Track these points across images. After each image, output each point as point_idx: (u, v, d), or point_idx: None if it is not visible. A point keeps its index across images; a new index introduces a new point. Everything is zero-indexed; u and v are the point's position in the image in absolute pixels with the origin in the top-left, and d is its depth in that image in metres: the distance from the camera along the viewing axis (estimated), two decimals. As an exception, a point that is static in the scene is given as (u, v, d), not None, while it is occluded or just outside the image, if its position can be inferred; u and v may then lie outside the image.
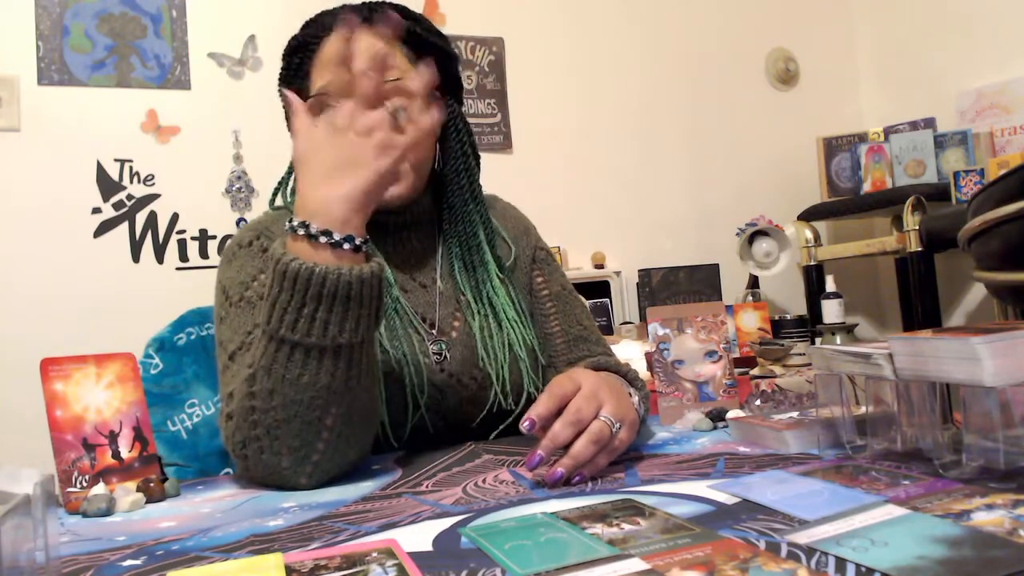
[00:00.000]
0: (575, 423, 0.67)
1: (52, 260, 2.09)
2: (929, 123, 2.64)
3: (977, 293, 2.71)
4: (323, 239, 0.69)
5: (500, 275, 1.02)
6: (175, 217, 2.23)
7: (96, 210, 2.15)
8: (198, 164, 2.25)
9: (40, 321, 2.05)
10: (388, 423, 0.90)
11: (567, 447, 0.67)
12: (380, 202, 0.93)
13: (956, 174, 2.33)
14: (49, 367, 0.71)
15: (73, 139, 2.13)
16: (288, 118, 0.85)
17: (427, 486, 0.70)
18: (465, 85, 2.59)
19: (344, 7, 0.93)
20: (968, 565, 0.40)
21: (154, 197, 2.21)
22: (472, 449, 0.86)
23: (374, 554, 0.49)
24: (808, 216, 2.78)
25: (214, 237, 2.27)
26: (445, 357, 0.95)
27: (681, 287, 2.70)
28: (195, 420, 1.19)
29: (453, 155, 1.00)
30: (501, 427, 0.96)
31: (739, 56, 3.00)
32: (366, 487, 0.72)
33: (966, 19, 2.69)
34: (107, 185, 2.17)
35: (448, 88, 1.00)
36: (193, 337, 1.22)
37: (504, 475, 0.72)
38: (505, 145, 2.65)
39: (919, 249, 2.35)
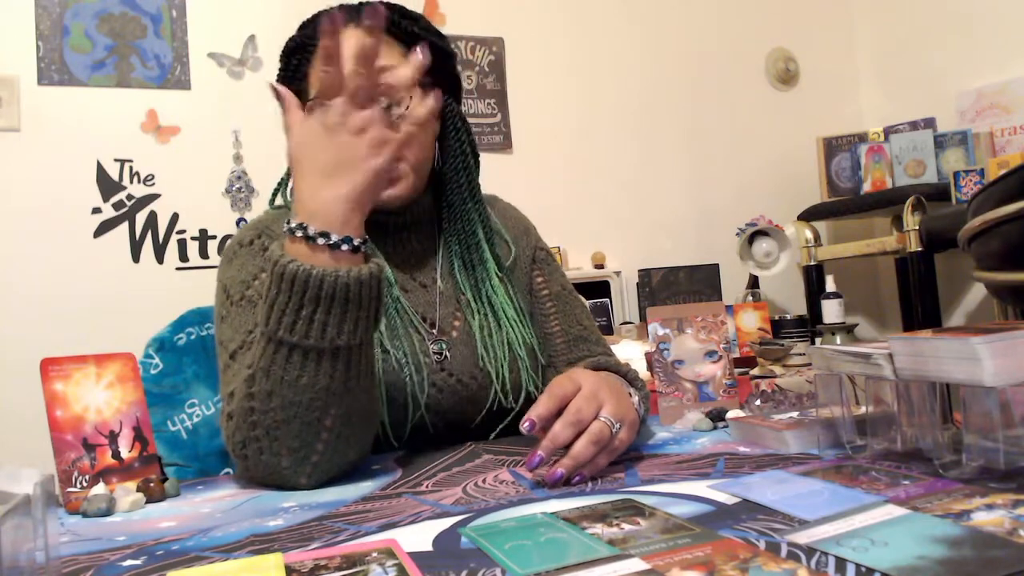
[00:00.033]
0: (575, 423, 0.67)
1: (52, 260, 2.09)
2: (929, 123, 2.64)
3: (977, 293, 2.71)
4: (321, 241, 0.69)
5: (499, 274, 1.02)
6: (175, 217, 2.23)
7: (96, 210, 2.15)
8: (198, 164, 2.25)
9: (40, 321, 2.05)
10: (388, 423, 0.90)
11: (567, 447, 0.67)
12: (380, 202, 0.93)
13: (956, 174, 2.33)
14: (49, 367, 0.71)
15: (73, 139, 2.13)
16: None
17: (427, 486, 0.70)
18: (465, 85, 2.58)
19: (340, 7, 0.93)
20: (968, 565, 0.40)
21: (154, 197, 2.21)
22: (472, 449, 0.86)
23: (374, 554, 0.49)
24: (808, 216, 2.78)
25: (214, 237, 2.27)
26: (445, 357, 0.95)
27: (681, 287, 2.70)
28: (195, 420, 1.19)
29: (452, 154, 1.00)
30: (501, 426, 0.96)
31: (739, 56, 3.00)
32: (366, 487, 0.72)
33: (966, 19, 2.69)
34: (107, 185, 2.17)
35: (446, 87, 1.00)
36: (193, 337, 1.22)
37: (504, 475, 0.72)
38: (505, 145, 2.65)
39: (919, 249, 2.35)
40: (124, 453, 0.73)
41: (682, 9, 2.92)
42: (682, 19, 2.92)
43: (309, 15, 0.98)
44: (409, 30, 0.94)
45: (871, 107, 3.12)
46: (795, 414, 0.83)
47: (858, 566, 0.41)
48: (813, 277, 2.70)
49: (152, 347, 1.20)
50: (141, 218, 2.20)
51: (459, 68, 1.03)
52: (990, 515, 0.47)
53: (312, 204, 0.70)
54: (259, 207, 2.27)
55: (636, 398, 0.82)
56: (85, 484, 0.70)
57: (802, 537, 0.46)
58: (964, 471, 0.57)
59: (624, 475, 0.68)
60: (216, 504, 0.69)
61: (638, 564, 0.44)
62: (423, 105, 0.73)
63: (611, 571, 0.43)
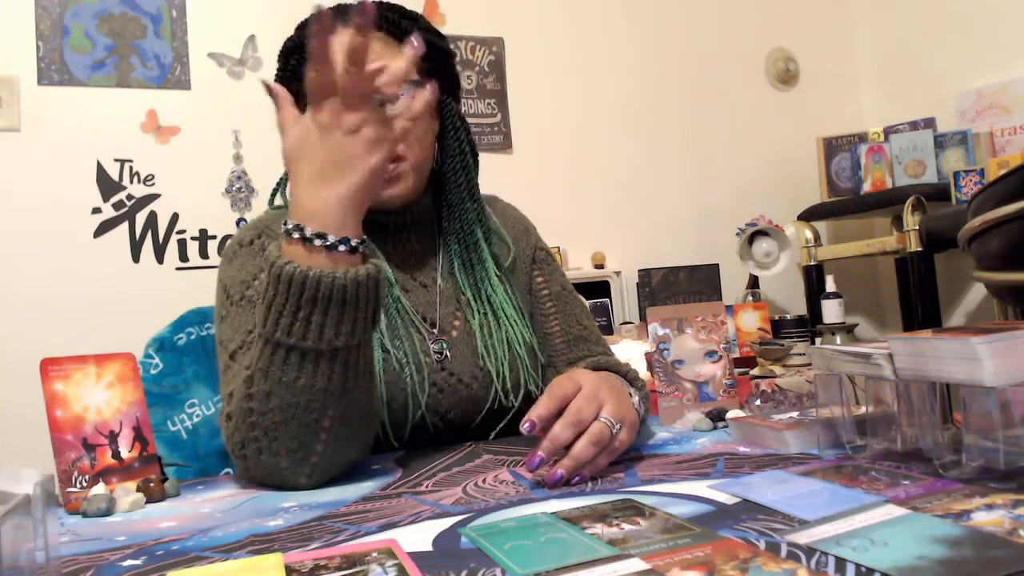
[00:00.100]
0: (575, 424, 0.67)
1: (52, 260, 2.09)
2: (929, 123, 2.64)
3: (977, 293, 2.71)
4: (318, 242, 0.69)
5: (498, 273, 1.02)
6: (175, 217, 2.23)
7: (96, 210, 2.15)
8: (198, 164, 2.25)
9: (40, 321, 2.05)
10: (388, 423, 0.90)
11: (567, 448, 0.67)
12: (381, 202, 0.93)
13: (956, 174, 2.33)
14: (49, 367, 0.71)
15: (73, 139, 2.13)
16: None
17: (427, 486, 0.70)
18: (465, 85, 2.58)
19: (335, 6, 0.93)
20: (968, 565, 0.40)
21: (154, 197, 2.21)
22: (472, 449, 0.86)
23: (374, 554, 0.49)
24: (808, 216, 2.78)
25: (214, 237, 2.27)
26: (446, 356, 0.95)
27: (681, 287, 2.70)
28: (195, 420, 1.19)
29: (451, 153, 1.00)
30: (500, 425, 0.96)
31: (739, 56, 3.00)
32: (366, 487, 0.72)
33: (966, 19, 2.69)
34: (107, 185, 2.17)
35: (445, 87, 1.00)
36: (193, 337, 1.22)
37: (504, 475, 0.72)
38: (505, 145, 2.65)
39: (919, 249, 2.35)
40: (124, 453, 0.73)
41: (682, 9, 2.92)
42: (682, 19, 2.92)
43: (308, 15, 0.98)
44: (409, 30, 0.94)
45: (871, 107, 3.12)
46: (795, 414, 0.83)
47: (858, 566, 0.41)
48: (813, 277, 2.70)
49: (152, 347, 1.20)
50: (141, 218, 2.20)
51: (458, 68, 1.03)
52: (990, 515, 0.47)
53: (309, 205, 0.70)
54: (259, 207, 2.27)
55: (636, 398, 0.82)
56: (85, 484, 0.70)
57: (802, 537, 0.46)
58: (964, 471, 0.57)
59: (624, 475, 0.68)
60: (216, 504, 0.69)
61: (638, 564, 0.44)
62: (418, 99, 0.72)
63: (611, 571, 0.43)
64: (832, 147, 2.80)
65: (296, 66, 0.95)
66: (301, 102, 0.74)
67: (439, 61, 0.98)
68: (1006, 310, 2.20)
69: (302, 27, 0.97)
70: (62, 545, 0.58)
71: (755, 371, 1.97)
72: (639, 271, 2.68)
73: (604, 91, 2.79)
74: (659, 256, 2.78)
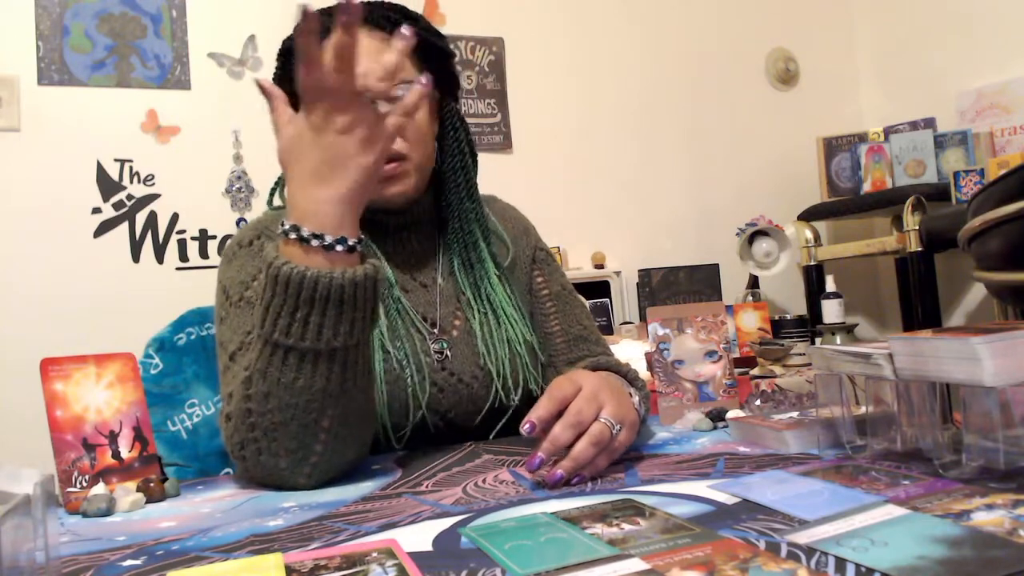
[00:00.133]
0: (575, 425, 0.67)
1: (52, 260, 2.09)
2: (929, 123, 2.64)
3: (977, 293, 2.71)
4: (315, 242, 0.69)
5: (498, 273, 1.02)
6: (175, 217, 2.23)
7: (96, 210, 2.15)
8: (198, 164, 2.25)
9: (40, 321, 2.05)
10: (389, 423, 0.90)
11: (568, 448, 0.67)
12: (384, 201, 0.93)
13: (956, 174, 2.33)
14: (49, 367, 0.71)
15: (73, 139, 2.13)
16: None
17: (427, 486, 0.70)
18: (465, 85, 2.58)
19: (336, 6, 0.93)
20: (968, 565, 0.40)
21: (154, 197, 2.21)
22: (472, 449, 0.86)
23: (374, 554, 0.49)
24: (808, 216, 2.78)
25: (214, 237, 2.27)
26: (446, 356, 0.95)
27: (681, 287, 2.70)
28: (195, 420, 1.19)
29: (451, 153, 1.00)
30: (500, 424, 0.96)
31: (739, 56, 3.00)
32: (366, 487, 0.72)
33: (966, 19, 2.69)
34: (107, 185, 2.17)
35: (445, 86, 1.00)
36: (193, 337, 1.22)
37: (504, 475, 0.72)
38: (505, 145, 2.65)
39: (919, 249, 2.35)
40: (124, 453, 0.73)
41: (682, 9, 2.92)
42: (682, 19, 2.92)
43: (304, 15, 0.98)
44: (397, 23, 0.94)
45: (871, 107, 3.12)
46: (795, 414, 0.83)
47: (858, 566, 0.41)
48: (813, 277, 2.70)
49: (152, 347, 1.20)
50: (141, 218, 2.20)
51: (458, 68, 1.03)
52: (990, 515, 0.47)
53: (305, 205, 0.70)
54: (259, 207, 2.27)
55: (636, 398, 0.82)
56: (85, 484, 0.70)
57: (802, 537, 0.46)
58: (964, 471, 0.57)
59: (624, 475, 0.68)
60: (216, 504, 0.69)
61: (638, 564, 0.44)
62: (411, 93, 0.72)
63: (611, 571, 0.43)
64: (832, 147, 2.80)
65: (294, 66, 0.94)
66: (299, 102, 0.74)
67: (439, 61, 0.98)
68: (1006, 310, 2.20)
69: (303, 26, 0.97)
70: (62, 545, 0.58)
71: (755, 371, 1.97)
72: (639, 271, 2.68)
73: (604, 91, 2.79)
74: (659, 256, 2.78)
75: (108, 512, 0.67)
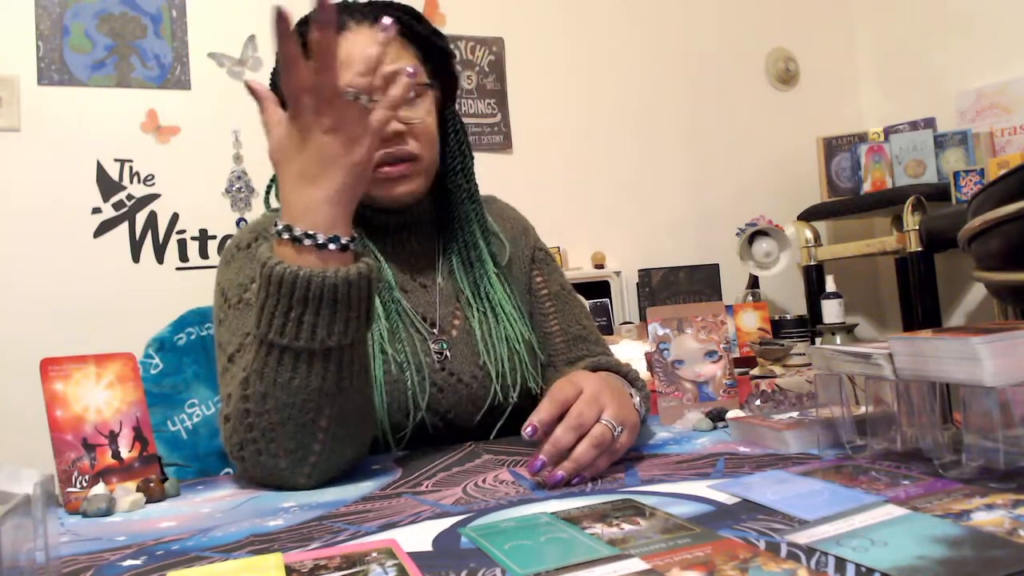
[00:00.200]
0: (577, 428, 0.67)
1: (52, 260, 2.09)
2: (929, 123, 2.64)
3: (977, 293, 2.71)
4: (308, 242, 0.69)
5: (497, 272, 1.02)
6: (175, 217, 2.23)
7: (96, 210, 2.15)
8: (198, 164, 2.25)
9: (40, 321, 2.05)
10: (388, 424, 0.89)
11: (569, 450, 0.67)
12: (390, 200, 0.93)
13: (956, 174, 2.33)
14: (49, 367, 0.71)
15: (73, 139, 2.13)
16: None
17: (427, 486, 0.70)
18: (465, 85, 2.58)
19: (340, 5, 0.94)
20: (968, 565, 0.40)
21: (154, 197, 2.21)
22: (472, 449, 0.86)
23: (374, 554, 0.49)
24: (808, 216, 2.78)
25: (214, 237, 2.27)
26: (446, 356, 0.95)
27: (681, 287, 2.70)
28: (195, 420, 1.19)
29: (451, 154, 1.00)
30: (500, 423, 0.96)
31: (739, 56, 3.00)
32: (366, 487, 0.72)
33: (966, 19, 2.69)
34: (107, 185, 2.17)
35: (445, 87, 1.00)
36: (193, 337, 1.22)
37: (504, 475, 0.72)
38: (505, 145, 2.65)
39: (919, 249, 2.35)
40: (124, 453, 0.73)
41: (682, 9, 2.92)
42: (682, 19, 2.92)
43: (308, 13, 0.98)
44: (411, 27, 0.95)
45: (871, 107, 3.12)
46: (795, 414, 0.83)
47: (858, 566, 0.41)
48: (813, 277, 2.70)
49: (152, 347, 1.20)
50: (141, 218, 2.20)
51: (458, 68, 1.04)
52: (990, 515, 0.47)
53: (297, 205, 0.70)
54: (259, 207, 2.27)
55: (637, 399, 0.82)
56: (85, 484, 0.70)
57: (802, 537, 0.46)
58: (964, 471, 0.57)
59: (624, 475, 0.68)
60: (216, 504, 0.69)
61: (638, 564, 0.44)
62: (397, 85, 0.72)
63: (611, 571, 0.43)
64: (832, 147, 2.80)
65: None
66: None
67: (440, 61, 0.98)
68: (1006, 310, 2.20)
69: (300, 24, 0.97)
70: (62, 545, 0.58)
71: (755, 371, 1.96)
72: (639, 271, 2.68)
73: (604, 91, 2.79)
74: (659, 256, 2.78)
75: (108, 512, 0.67)
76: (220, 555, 0.53)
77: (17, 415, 1.68)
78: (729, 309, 2.25)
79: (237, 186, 2.29)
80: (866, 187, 2.66)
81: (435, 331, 0.96)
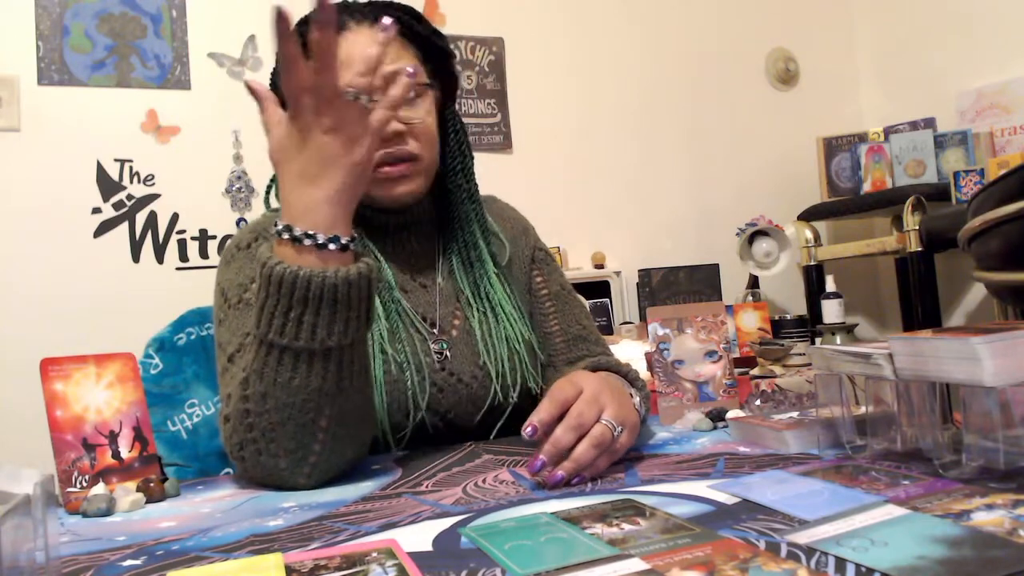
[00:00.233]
0: (577, 428, 0.67)
1: (52, 260, 2.09)
2: (929, 123, 2.64)
3: (977, 293, 2.71)
4: (307, 242, 0.69)
5: (497, 271, 1.02)
6: (175, 217, 2.23)
7: (96, 210, 2.15)
8: (198, 164, 2.25)
9: (40, 321, 2.05)
10: (388, 425, 0.89)
11: (569, 450, 0.67)
12: (391, 200, 0.93)
13: (956, 174, 2.33)
14: (49, 367, 0.71)
15: (73, 139, 2.13)
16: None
17: (427, 486, 0.70)
18: (465, 85, 2.58)
19: (341, 5, 0.94)
20: (968, 565, 0.40)
21: (154, 197, 2.21)
22: (472, 449, 0.86)
23: (374, 554, 0.49)
24: (808, 216, 2.78)
25: (214, 237, 2.27)
26: (446, 356, 0.95)
27: (681, 287, 2.70)
28: (195, 420, 1.19)
29: (451, 154, 1.00)
30: (500, 423, 0.96)
31: (739, 56, 3.00)
32: (366, 487, 0.72)
33: (966, 19, 2.69)
34: (107, 185, 2.17)
35: (446, 87, 1.00)
36: (193, 337, 1.22)
37: (504, 475, 0.72)
38: (505, 145, 2.65)
39: (919, 249, 2.35)
40: (124, 453, 0.73)
41: (682, 9, 2.92)
42: (682, 19, 2.92)
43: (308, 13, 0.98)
44: (413, 27, 0.95)
45: (871, 107, 3.12)
46: (795, 414, 0.83)
47: (858, 566, 0.41)
48: (813, 277, 2.70)
49: (152, 347, 1.20)
50: (141, 218, 2.20)
51: (458, 68, 1.04)
52: (990, 515, 0.47)
53: (297, 205, 0.70)
54: (259, 207, 2.27)
55: (637, 399, 0.82)
56: (85, 484, 0.70)
57: (802, 537, 0.46)
58: (964, 471, 0.57)
59: (624, 475, 0.68)
60: (216, 504, 0.69)
61: (638, 564, 0.44)
62: (397, 85, 0.72)
63: (611, 571, 0.43)
64: (832, 147, 2.80)
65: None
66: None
67: (440, 61, 0.98)
68: (1006, 310, 2.20)
69: (300, 24, 0.97)
70: (62, 545, 0.58)
71: (755, 371, 1.96)
72: (639, 271, 2.68)
73: (604, 91, 2.79)
74: (659, 256, 2.78)
75: (108, 512, 0.67)
76: (220, 555, 0.53)
77: (17, 415, 1.68)
78: (729, 309, 2.25)
79: (237, 186, 2.29)
80: (866, 187, 2.66)
81: (435, 331, 0.96)
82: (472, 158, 1.03)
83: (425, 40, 0.96)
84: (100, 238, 2.16)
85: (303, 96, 0.67)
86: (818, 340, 2.47)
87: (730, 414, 0.88)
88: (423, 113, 0.93)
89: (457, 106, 1.04)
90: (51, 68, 2.11)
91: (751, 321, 2.28)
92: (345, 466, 0.76)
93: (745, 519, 0.51)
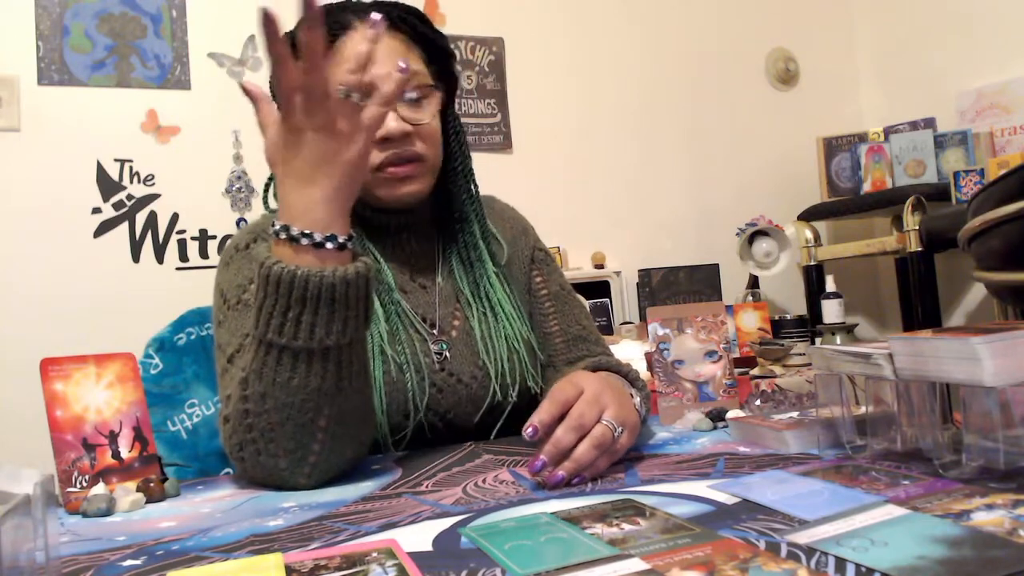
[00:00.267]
0: (578, 428, 0.67)
1: (52, 260, 2.09)
2: (929, 123, 2.64)
3: (977, 293, 2.71)
4: (305, 241, 0.69)
5: (496, 271, 1.02)
6: (175, 217, 2.23)
7: (96, 210, 2.15)
8: (198, 164, 2.25)
9: (40, 321, 2.05)
10: (388, 426, 0.89)
11: (570, 451, 0.67)
12: (394, 200, 0.93)
13: (956, 174, 2.33)
14: (49, 367, 0.71)
15: (73, 139, 2.13)
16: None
17: (427, 486, 0.70)
18: (465, 85, 2.58)
19: (345, 4, 0.94)
20: (968, 565, 0.40)
21: (154, 197, 2.21)
22: (472, 449, 0.86)
23: (374, 554, 0.49)
24: (808, 216, 2.78)
25: (214, 237, 2.27)
26: (446, 357, 0.95)
27: (681, 287, 2.70)
28: (195, 420, 1.19)
29: (453, 155, 1.00)
30: (499, 423, 0.96)
31: (739, 56, 3.00)
32: (366, 487, 0.72)
33: (966, 19, 2.69)
34: (107, 185, 2.17)
35: (446, 86, 1.00)
36: (193, 337, 1.22)
37: (504, 475, 0.72)
38: (505, 145, 2.65)
39: (919, 249, 2.35)
40: (124, 453, 0.73)
41: (682, 9, 2.92)
42: (682, 19, 2.92)
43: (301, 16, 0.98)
44: (414, 27, 0.95)
45: (871, 107, 3.12)
46: (795, 414, 0.83)
47: (858, 566, 0.41)
48: (813, 277, 2.70)
49: (152, 347, 1.20)
50: (141, 218, 2.20)
51: (458, 68, 1.04)
52: (990, 515, 0.47)
53: (294, 205, 0.70)
54: (259, 207, 2.27)
55: (638, 399, 0.82)
56: (85, 484, 0.70)
57: (802, 537, 0.46)
58: (964, 471, 0.57)
59: (624, 475, 0.68)
60: (216, 504, 0.69)
61: (638, 564, 0.44)
62: (390, 82, 0.71)
63: (611, 571, 0.43)
64: (832, 147, 2.80)
65: None
66: None
67: (441, 61, 0.98)
68: (1006, 310, 2.20)
69: (297, 27, 0.97)
70: (62, 545, 0.58)
71: (755, 371, 1.96)
72: (639, 271, 2.68)
73: (604, 91, 2.79)
74: (659, 256, 2.78)
75: (108, 512, 0.67)
76: (220, 555, 0.53)
77: (17, 415, 1.68)
78: (729, 309, 2.25)
79: (237, 186, 2.29)
80: (866, 187, 2.66)
81: (435, 332, 0.96)
82: (471, 158, 1.03)
83: (430, 42, 0.96)
84: (100, 238, 2.16)
85: (294, 96, 0.67)
86: (818, 340, 2.47)
87: (730, 414, 0.88)
88: (429, 115, 0.93)
89: (456, 106, 1.05)
90: (51, 68, 2.11)
91: (751, 321, 2.28)
92: (345, 466, 0.76)
93: (745, 519, 0.51)
